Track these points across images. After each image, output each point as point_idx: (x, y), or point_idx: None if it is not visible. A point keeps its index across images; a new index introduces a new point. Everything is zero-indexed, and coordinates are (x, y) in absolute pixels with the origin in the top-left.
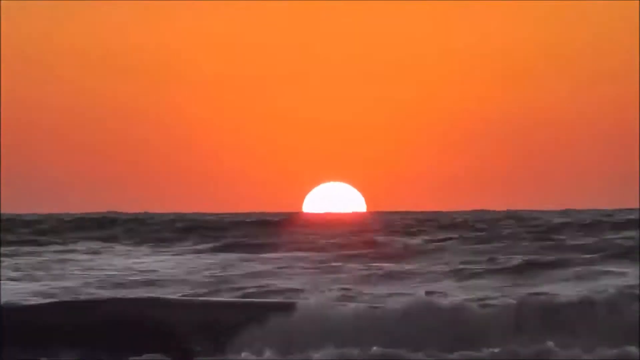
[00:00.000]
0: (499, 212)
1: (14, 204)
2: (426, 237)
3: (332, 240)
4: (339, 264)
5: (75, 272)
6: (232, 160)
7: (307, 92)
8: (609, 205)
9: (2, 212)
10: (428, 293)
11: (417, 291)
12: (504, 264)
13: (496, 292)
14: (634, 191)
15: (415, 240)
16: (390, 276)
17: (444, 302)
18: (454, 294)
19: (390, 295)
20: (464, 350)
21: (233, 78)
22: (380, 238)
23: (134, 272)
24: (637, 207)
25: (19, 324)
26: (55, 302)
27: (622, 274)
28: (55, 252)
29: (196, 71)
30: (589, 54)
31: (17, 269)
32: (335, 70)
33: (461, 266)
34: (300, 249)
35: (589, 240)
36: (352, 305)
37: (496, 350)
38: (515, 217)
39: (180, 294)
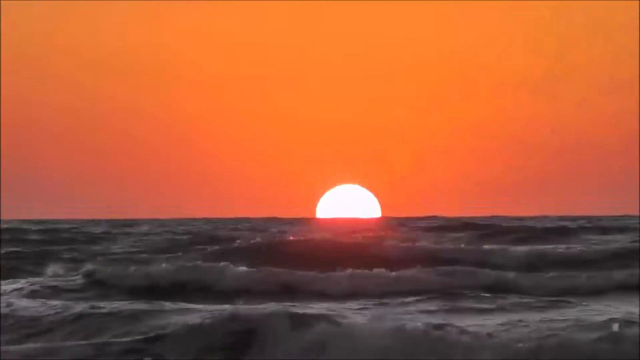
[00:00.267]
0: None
1: (14, 204)
2: None
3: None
4: None
5: None
6: (235, 162)
7: (308, 92)
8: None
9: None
10: None
11: None
12: None
13: None
14: None
15: None
16: None
17: None
18: None
19: None
20: None
21: (233, 78)
22: None
23: None
24: None
25: None
26: None
27: None
28: None
29: (196, 71)
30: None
31: None
32: (338, 70)
33: None
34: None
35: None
36: None
37: None
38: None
39: None
